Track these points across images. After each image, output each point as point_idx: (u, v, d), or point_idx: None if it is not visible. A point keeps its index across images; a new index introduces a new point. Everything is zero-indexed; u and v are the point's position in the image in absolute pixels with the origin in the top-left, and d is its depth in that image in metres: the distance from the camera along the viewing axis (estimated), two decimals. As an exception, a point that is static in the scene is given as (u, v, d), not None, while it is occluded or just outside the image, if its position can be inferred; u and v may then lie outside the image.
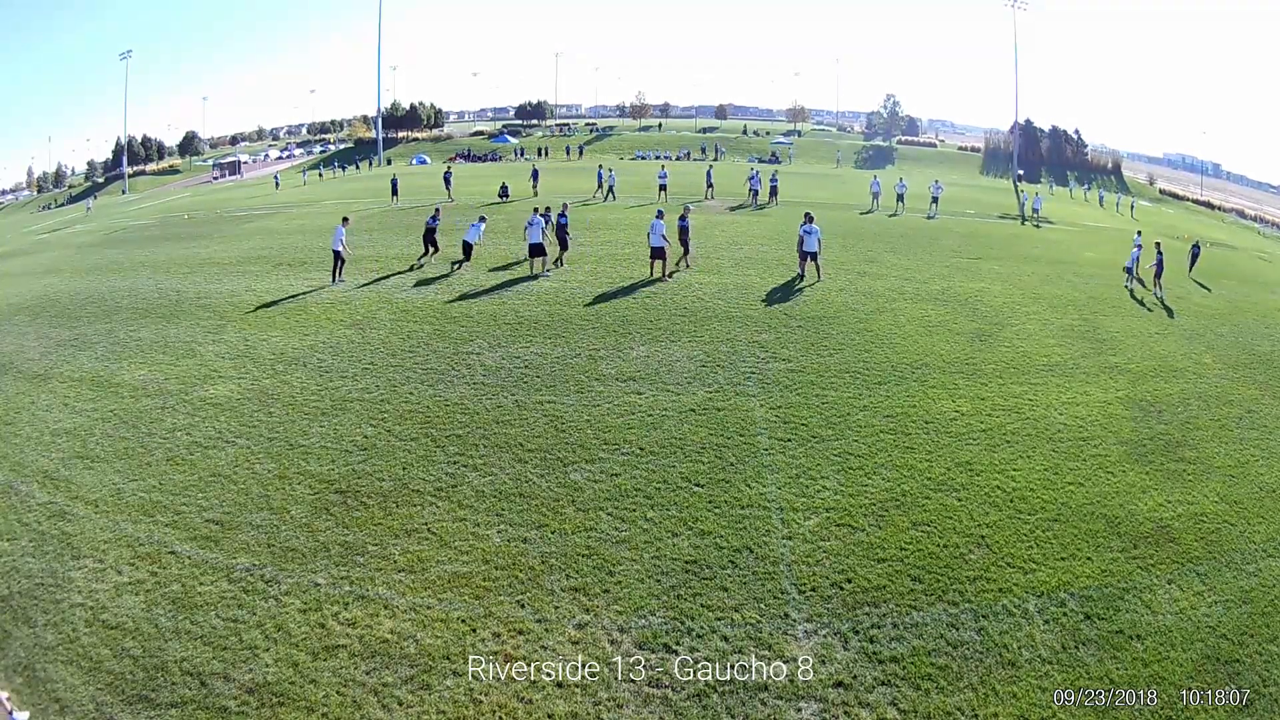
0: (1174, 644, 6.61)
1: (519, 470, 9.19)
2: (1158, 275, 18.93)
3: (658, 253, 17.00)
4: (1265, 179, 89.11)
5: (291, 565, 7.51)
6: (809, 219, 17.57)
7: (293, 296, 16.80)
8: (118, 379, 12.50)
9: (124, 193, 77.20)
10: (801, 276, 17.64)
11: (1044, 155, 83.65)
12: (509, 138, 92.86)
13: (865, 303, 16.05)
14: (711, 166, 39.57)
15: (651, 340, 13.38)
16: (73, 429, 10.69)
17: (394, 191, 33.47)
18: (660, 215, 17.36)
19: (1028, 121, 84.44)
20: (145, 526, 8.20)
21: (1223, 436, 10.75)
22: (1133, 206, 50.56)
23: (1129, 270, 19.48)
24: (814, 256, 17.40)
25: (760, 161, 62.97)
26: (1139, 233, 23.89)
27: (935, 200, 32.01)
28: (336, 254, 17.76)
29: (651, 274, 17.27)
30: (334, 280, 17.70)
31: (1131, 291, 18.80)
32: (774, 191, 31.66)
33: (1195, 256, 23.11)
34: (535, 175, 34.91)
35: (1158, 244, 19.75)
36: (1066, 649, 6.50)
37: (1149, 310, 17.62)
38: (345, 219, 18.85)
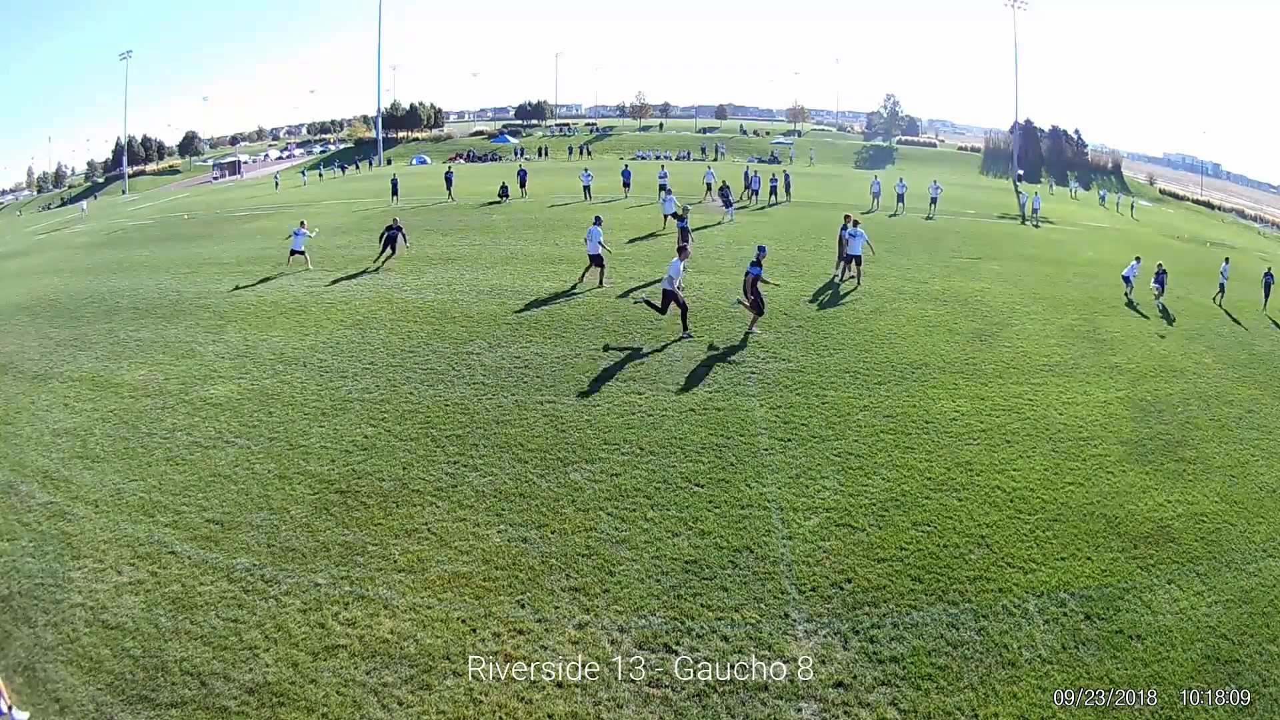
0: (1174, 644, 6.61)
1: (519, 470, 9.19)
2: (1159, 292, 18.53)
3: (595, 260, 16.52)
4: (1265, 179, 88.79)
5: (291, 565, 7.51)
6: (853, 222, 17.51)
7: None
8: (118, 379, 12.50)
9: (124, 193, 77.16)
10: (840, 279, 17.51)
11: (1044, 155, 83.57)
12: (509, 138, 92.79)
13: (865, 303, 16.05)
14: (710, 167, 39.53)
15: (652, 340, 13.37)
16: (73, 429, 10.69)
17: (394, 191, 33.47)
18: (598, 221, 16.98)
19: (1028, 121, 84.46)
20: (145, 526, 8.20)
21: (1223, 436, 10.75)
22: (1133, 207, 50.53)
23: (1127, 279, 18.99)
24: (858, 260, 17.23)
25: (760, 162, 62.97)
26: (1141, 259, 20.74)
27: (934, 201, 32.02)
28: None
29: (583, 280, 16.72)
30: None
31: (1129, 301, 18.56)
32: (787, 189, 33.25)
33: (1269, 288, 19.89)
34: (523, 176, 34.34)
35: (1160, 265, 19.13)
36: (1066, 649, 6.50)
37: (1145, 315, 17.61)
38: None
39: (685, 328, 13.33)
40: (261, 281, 18.32)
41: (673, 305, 13.21)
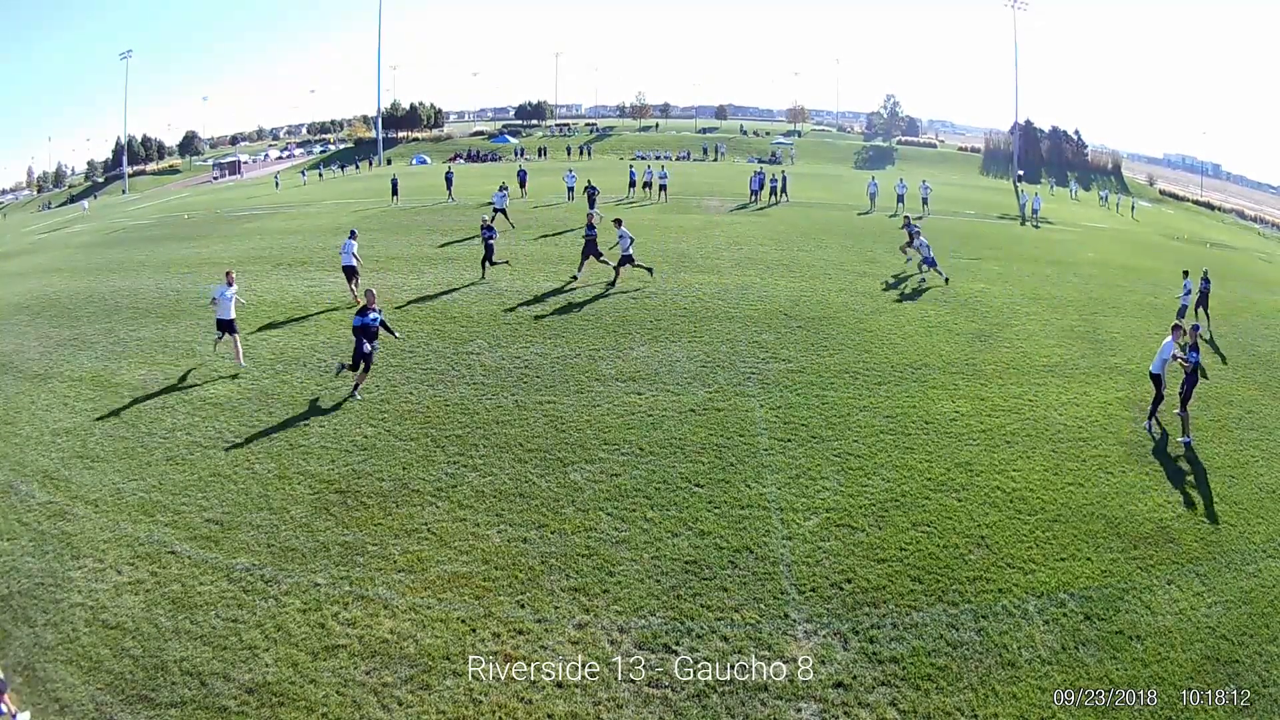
0: (1174, 644, 6.61)
1: (519, 470, 9.19)
2: (926, 261, 18.29)
3: (349, 272, 16.06)
4: (1265, 179, 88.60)
5: (291, 565, 7.51)
6: (616, 220, 17.22)
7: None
8: (118, 379, 12.50)
9: (124, 193, 77.17)
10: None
11: (1044, 156, 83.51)
12: (509, 138, 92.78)
13: (865, 303, 16.06)
14: (650, 165, 38.84)
15: (651, 340, 13.38)
16: (73, 429, 10.69)
17: (394, 191, 33.51)
18: (353, 235, 16.55)
19: (1028, 122, 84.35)
20: (145, 526, 8.19)
21: (1223, 436, 10.74)
22: (1133, 207, 50.49)
23: (930, 263, 18.05)
24: (629, 260, 16.72)
25: (761, 162, 63.06)
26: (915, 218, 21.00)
27: (925, 201, 32.06)
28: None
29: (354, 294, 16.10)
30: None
31: (916, 286, 17.79)
32: (783, 189, 33.38)
33: (1205, 294, 16.59)
34: (523, 177, 34.40)
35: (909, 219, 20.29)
36: (1066, 649, 6.50)
37: (909, 288, 17.61)
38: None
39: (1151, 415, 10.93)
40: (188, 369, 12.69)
41: None
